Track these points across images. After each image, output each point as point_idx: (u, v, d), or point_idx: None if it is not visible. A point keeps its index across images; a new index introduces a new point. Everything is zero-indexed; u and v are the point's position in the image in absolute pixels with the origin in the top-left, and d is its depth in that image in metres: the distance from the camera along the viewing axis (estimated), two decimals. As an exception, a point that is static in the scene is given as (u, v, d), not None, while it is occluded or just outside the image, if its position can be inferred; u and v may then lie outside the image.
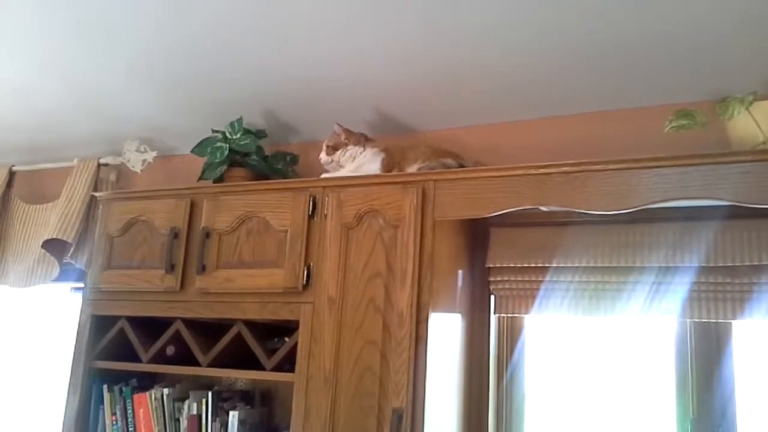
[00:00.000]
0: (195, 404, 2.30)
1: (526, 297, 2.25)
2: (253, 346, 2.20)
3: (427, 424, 1.87)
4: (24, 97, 2.79)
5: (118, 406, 2.39)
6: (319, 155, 2.37)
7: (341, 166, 2.32)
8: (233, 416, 2.25)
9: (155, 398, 2.35)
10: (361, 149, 2.31)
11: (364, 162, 2.29)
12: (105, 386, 2.42)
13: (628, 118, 2.25)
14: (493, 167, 2.01)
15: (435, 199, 2.01)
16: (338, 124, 2.35)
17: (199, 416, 2.28)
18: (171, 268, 2.32)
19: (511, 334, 2.34)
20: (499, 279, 2.29)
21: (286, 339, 2.20)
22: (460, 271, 2.21)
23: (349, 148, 2.31)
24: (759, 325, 2.03)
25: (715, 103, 2.00)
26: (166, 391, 2.35)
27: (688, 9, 1.80)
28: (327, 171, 2.36)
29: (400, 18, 1.99)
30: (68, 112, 2.86)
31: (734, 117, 1.90)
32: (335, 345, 2.00)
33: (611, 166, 1.83)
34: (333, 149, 2.33)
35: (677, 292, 2.04)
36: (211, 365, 2.25)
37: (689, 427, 2.03)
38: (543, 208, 1.98)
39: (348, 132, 2.34)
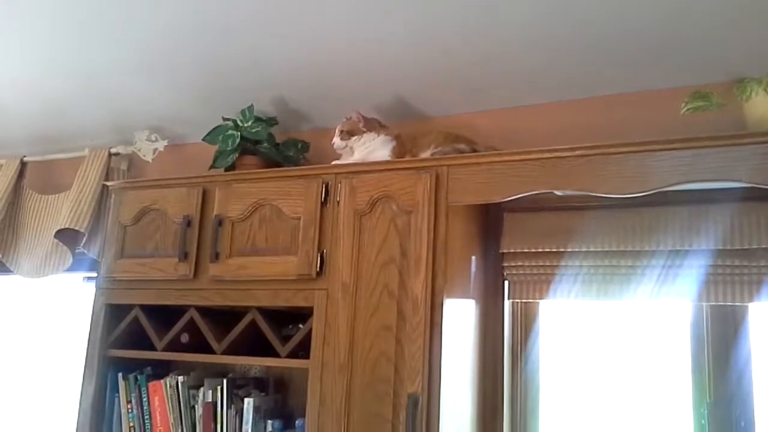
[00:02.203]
0: (210, 392, 2.31)
1: (540, 282, 2.24)
2: (267, 333, 2.20)
3: (443, 409, 1.87)
4: (34, 87, 2.79)
5: (133, 394, 2.41)
6: (331, 140, 2.36)
7: (354, 152, 2.31)
8: (248, 403, 2.25)
9: (170, 386, 2.36)
10: (375, 135, 2.30)
11: (375, 148, 2.28)
12: (120, 374, 2.43)
13: (644, 100, 2.22)
14: (506, 152, 1.99)
15: (448, 185, 2.00)
16: (357, 111, 2.34)
17: (214, 403, 2.29)
18: (184, 256, 2.32)
19: (525, 320, 2.33)
20: (512, 264, 2.28)
21: (300, 326, 2.20)
22: (473, 257, 2.20)
23: (364, 134, 2.30)
24: (776, 308, 2.02)
25: (731, 84, 1.98)
26: (180, 378, 2.36)
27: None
28: (338, 156, 2.36)
29: (411, 4, 1.98)
30: (79, 102, 2.87)
31: (752, 98, 1.88)
32: (350, 331, 2.00)
33: (626, 149, 1.82)
34: (348, 134, 2.32)
35: (693, 275, 2.02)
36: (225, 353, 2.26)
37: (705, 410, 2.02)
38: (557, 193, 1.97)
39: (365, 119, 2.33)
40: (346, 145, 2.32)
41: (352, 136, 2.32)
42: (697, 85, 2.07)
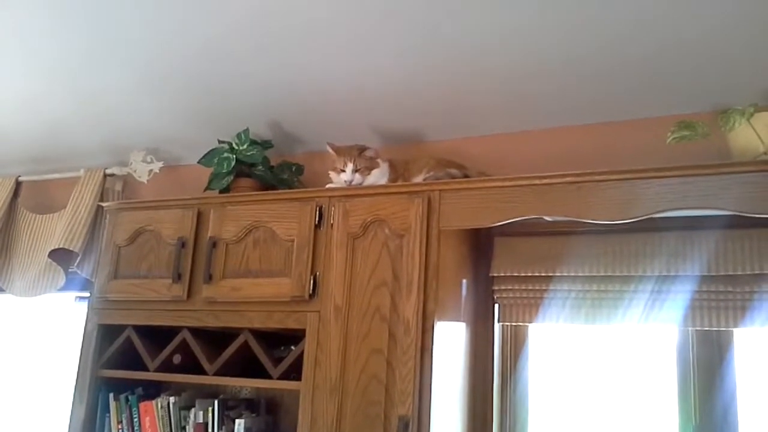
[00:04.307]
0: (201, 412, 2.32)
1: (530, 306, 2.27)
2: (259, 355, 2.22)
3: (433, 431, 1.88)
4: (31, 107, 2.81)
5: (124, 415, 2.41)
6: (340, 177, 2.29)
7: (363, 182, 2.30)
8: (239, 424, 2.26)
9: (161, 407, 2.37)
10: (384, 166, 2.33)
11: (376, 178, 2.30)
12: (111, 395, 2.44)
13: (631, 129, 2.28)
14: (497, 177, 2.04)
15: (440, 209, 2.03)
16: (374, 149, 2.33)
17: (206, 424, 2.30)
18: (178, 277, 2.34)
19: (514, 343, 2.36)
20: (503, 288, 2.31)
21: (293, 347, 2.21)
22: (464, 280, 2.23)
23: (380, 166, 2.31)
24: (760, 333, 2.05)
25: (716, 114, 2.03)
26: (172, 399, 2.37)
27: (689, 23, 1.83)
28: (332, 179, 2.37)
29: (405, 30, 2.02)
30: (75, 123, 2.89)
31: (735, 128, 1.92)
32: (341, 353, 2.02)
33: (614, 177, 1.86)
34: (368, 170, 2.28)
35: (679, 300, 2.06)
36: (217, 374, 2.26)
37: (692, 434, 2.05)
38: (547, 218, 2.00)
39: (377, 152, 2.33)
40: (363, 181, 2.27)
41: (372, 170, 2.29)
42: (683, 115, 2.13)
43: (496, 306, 2.33)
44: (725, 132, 1.97)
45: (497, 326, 2.34)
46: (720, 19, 1.81)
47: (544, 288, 2.24)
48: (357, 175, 2.26)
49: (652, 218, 1.82)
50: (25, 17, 2.20)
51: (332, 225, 2.15)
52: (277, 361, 2.21)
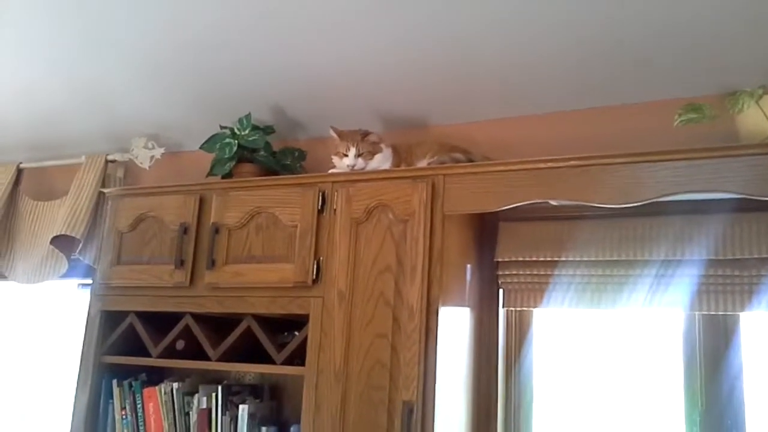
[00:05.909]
0: (205, 398, 2.31)
1: (535, 291, 2.25)
2: (263, 340, 2.21)
3: (438, 416, 1.88)
4: (31, 94, 2.80)
5: (127, 401, 2.41)
6: (341, 161, 2.27)
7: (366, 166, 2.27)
8: (243, 410, 2.26)
9: (165, 392, 2.37)
10: (387, 150, 2.31)
11: (378, 162, 2.29)
12: (114, 381, 2.44)
13: (637, 112, 2.25)
14: (502, 162, 2.01)
15: (444, 194, 2.01)
16: (377, 133, 2.31)
17: (209, 410, 2.30)
18: (180, 263, 2.33)
19: (519, 328, 2.35)
20: (507, 273, 2.29)
21: (296, 333, 2.21)
22: (468, 265, 2.22)
23: (383, 150, 2.29)
24: (766, 317, 2.03)
25: (724, 96, 2.01)
26: (175, 385, 2.37)
27: (697, 4, 1.81)
28: (334, 165, 2.35)
29: (407, 14, 2.00)
30: (75, 110, 2.88)
31: (744, 110, 1.90)
32: (345, 339, 2.02)
33: (620, 160, 1.84)
34: (371, 154, 2.25)
35: (685, 284, 2.04)
36: (220, 359, 2.26)
37: (698, 418, 2.04)
38: (552, 202, 1.99)
39: (380, 136, 2.31)
40: (366, 166, 2.24)
41: (375, 155, 2.27)
42: (690, 98, 2.10)
43: (501, 291, 2.32)
44: (733, 114, 1.94)
45: (502, 311, 2.33)
46: (727, 0, 1.78)
47: (549, 273, 2.23)
48: (360, 159, 2.24)
49: (658, 202, 1.80)
50: (21, 5, 2.18)
51: (335, 210, 2.13)
52: (281, 346, 2.20)
